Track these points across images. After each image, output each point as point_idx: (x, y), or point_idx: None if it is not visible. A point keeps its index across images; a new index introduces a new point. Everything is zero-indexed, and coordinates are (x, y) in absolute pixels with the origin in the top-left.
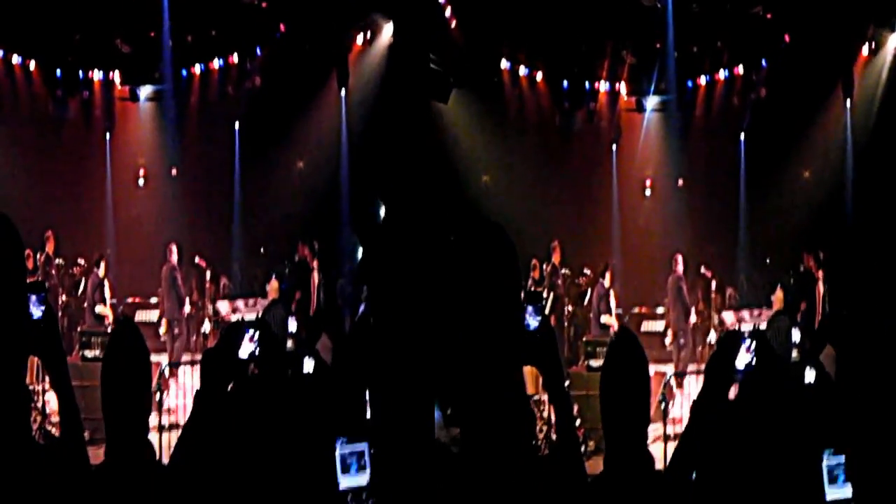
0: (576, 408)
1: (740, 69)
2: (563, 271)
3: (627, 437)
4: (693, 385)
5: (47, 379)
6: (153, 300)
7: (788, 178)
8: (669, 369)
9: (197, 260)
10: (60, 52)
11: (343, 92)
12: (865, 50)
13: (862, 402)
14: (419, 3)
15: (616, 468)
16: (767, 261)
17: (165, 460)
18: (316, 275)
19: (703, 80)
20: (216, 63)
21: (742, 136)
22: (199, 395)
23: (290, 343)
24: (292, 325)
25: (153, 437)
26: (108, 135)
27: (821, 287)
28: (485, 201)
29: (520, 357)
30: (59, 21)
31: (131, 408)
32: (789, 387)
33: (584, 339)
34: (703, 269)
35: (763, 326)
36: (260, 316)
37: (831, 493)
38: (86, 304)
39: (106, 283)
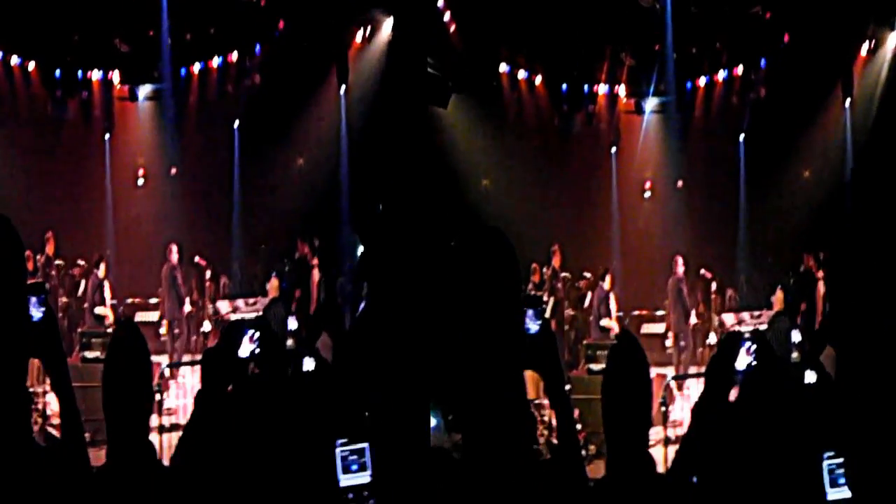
0: (576, 412)
1: (739, 69)
2: (563, 275)
3: (629, 441)
4: (694, 388)
5: (48, 381)
6: (153, 300)
7: (788, 179)
8: (670, 372)
9: (197, 259)
10: (59, 53)
11: (343, 89)
12: (865, 49)
13: (862, 403)
14: None
15: (618, 472)
16: (769, 261)
17: (166, 461)
18: (316, 272)
19: (702, 81)
20: (215, 61)
21: (741, 136)
22: (200, 395)
23: (290, 341)
24: (292, 324)
25: (153, 438)
26: (107, 135)
27: (821, 287)
28: (484, 205)
29: (520, 361)
30: (58, 21)
31: (133, 409)
32: (789, 388)
33: (584, 342)
34: (702, 271)
35: (763, 328)
36: (260, 315)
37: (832, 494)
38: (86, 305)
39: (106, 283)
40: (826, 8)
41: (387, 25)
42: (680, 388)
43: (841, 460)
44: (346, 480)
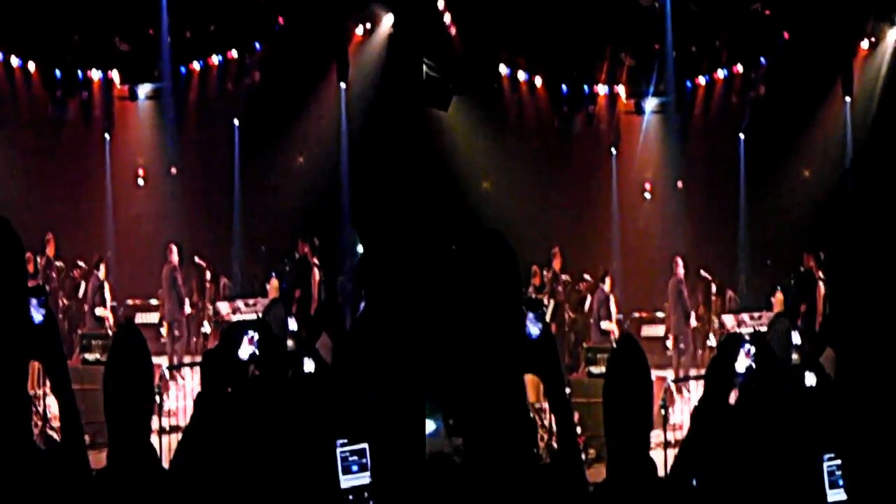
0: (577, 415)
1: (739, 68)
2: (563, 277)
3: (630, 445)
4: (694, 390)
5: (48, 383)
6: (153, 301)
7: (788, 177)
8: (670, 374)
9: (197, 260)
10: (59, 53)
11: (343, 85)
12: (865, 45)
13: (861, 404)
14: None
15: (619, 475)
16: (768, 262)
17: (166, 463)
18: (317, 272)
19: (702, 80)
20: (215, 59)
21: (741, 135)
22: (200, 397)
23: (290, 342)
24: (292, 325)
25: (153, 439)
26: (107, 135)
27: (821, 288)
28: (485, 208)
29: (521, 365)
30: (58, 22)
31: (134, 412)
32: (789, 391)
33: (584, 345)
34: (702, 272)
35: (763, 329)
36: (260, 316)
37: (832, 495)
38: (86, 307)
39: (106, 285)
40: (825, 4)
41: (387, 20)
42: (680, 390)
43: (840, 462)
44: (346, 482)
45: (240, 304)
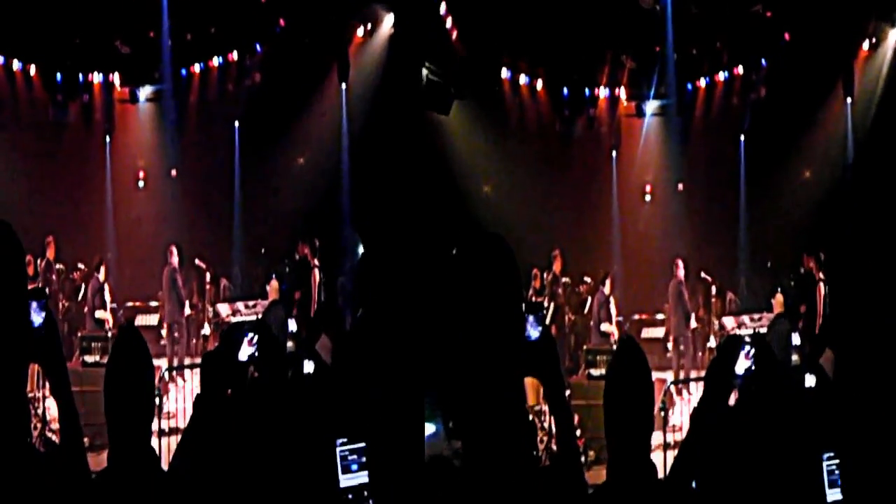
0: (576, 418)
1: (740, 69)
2: (563, 280)
3: (631, 448)
4: (694, 392)
5: (47, 385)
6: (153, 304)
7: (789, 179)
8: (670, 376)
9: (197, 262)
10: (60, 56)
11: (343, 86)
12: (866, 45)
13: (859, 405)
14: None
15: (619, 478)
16: (769, 264)
17: (165, 465)
18: (317, 273)
19: (702, 82)
20: (216, 61)
21: (742, 137)
22: (200, 399)
23: (290, 344)
24: (292, 326)
25: (153, 441)
26: (108, 137)
27: (822, 289)
28: (485, 211)
29: (520, 368)
30: (59, 25)
31: (134, 414)
32: (789, 392)
33: (584, 347)
34: (703, 274)
35: (763, 331)
36: (260, 318)
37: (832, 495)
38: (86, 309)
39: (106, 287)
40: (826, 5)
41: (388, 20)
42: (680, 392)
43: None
44: (346, 481)
45: (240, 305)
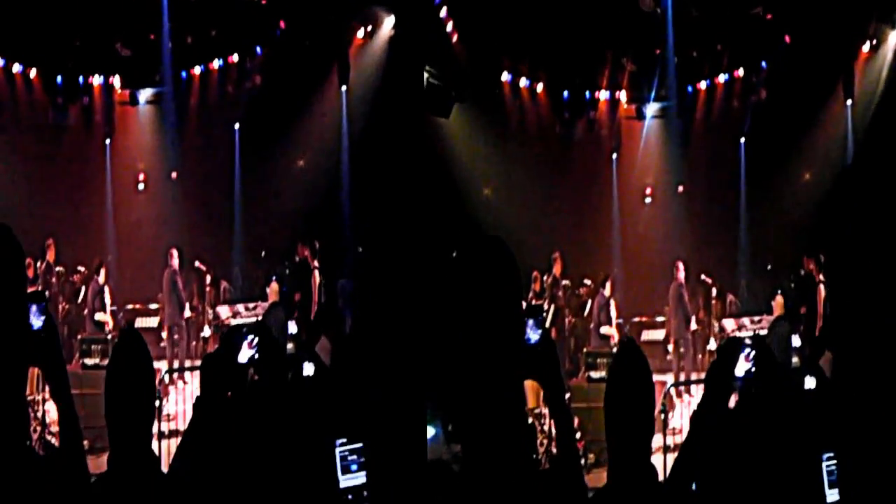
0: (576, 420)
1: (740, 72)
2: (563, 283)
3: (631, 450)
4: (694, 394)
5: (47, 388)
6: (153, 306)
7: (789, 181)
8: (670, 379)
9: (197, 264)
10: (60, 59)
11: (344, 88)
12: (866, 47)
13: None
14: None
15: (619, 480)
16: (769, 266)
17: (165, 468)
18: (317, 275)
19: (703, 84)
20: (216, 63)
21: (742, 139)
22: (199, 401)
23: (290, 346)
24: (292, 328)
25: (153, 444)
26: (108, 140)
27: (822, 291)
28: (485, 214)
29: (520, 371)
30: (59, 27)
31: (135, 417)
32: (789, 395)
33: (584, 350)
34: (703, 277)
35: (764, 333)
36: (259, 320)
37: (832, 496)
38: (86, 312)
39: (106, 289)
40: (826, 7)
41: (388, 22)
42: (680, 394)
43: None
44: (346, 481)
45: (240, 307)
